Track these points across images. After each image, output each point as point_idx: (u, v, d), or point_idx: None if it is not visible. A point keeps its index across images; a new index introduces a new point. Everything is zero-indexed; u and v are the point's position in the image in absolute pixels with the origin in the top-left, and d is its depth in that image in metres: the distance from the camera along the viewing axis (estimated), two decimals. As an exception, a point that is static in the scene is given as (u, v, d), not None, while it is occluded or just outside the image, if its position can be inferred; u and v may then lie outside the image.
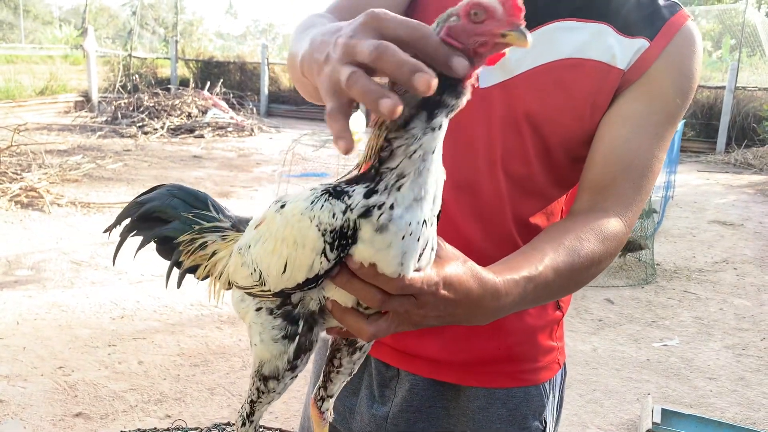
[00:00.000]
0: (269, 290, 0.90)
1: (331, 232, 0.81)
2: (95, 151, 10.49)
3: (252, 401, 0.98)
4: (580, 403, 3.84)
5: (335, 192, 0.83)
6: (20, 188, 7.34)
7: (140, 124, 12.58)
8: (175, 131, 12.62)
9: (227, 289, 1.04)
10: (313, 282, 0.85)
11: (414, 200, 0.79)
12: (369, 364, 1.35)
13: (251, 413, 1.00)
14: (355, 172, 0.87)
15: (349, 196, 0.81)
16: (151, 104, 13.24)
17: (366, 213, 0.79)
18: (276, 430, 1.36)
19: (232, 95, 15.02)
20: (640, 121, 1.14)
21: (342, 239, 0.81)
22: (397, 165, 0.79)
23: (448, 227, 1.16)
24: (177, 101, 13.42)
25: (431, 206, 0.82)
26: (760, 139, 13.20)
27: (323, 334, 0.95)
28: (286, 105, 17.19)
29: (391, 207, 0.79)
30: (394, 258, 0.80)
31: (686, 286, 5.96)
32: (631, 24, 1.17)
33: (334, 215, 0.81)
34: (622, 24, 1.17)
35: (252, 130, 13.51)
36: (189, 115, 13.21)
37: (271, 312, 0.92)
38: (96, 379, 3.76)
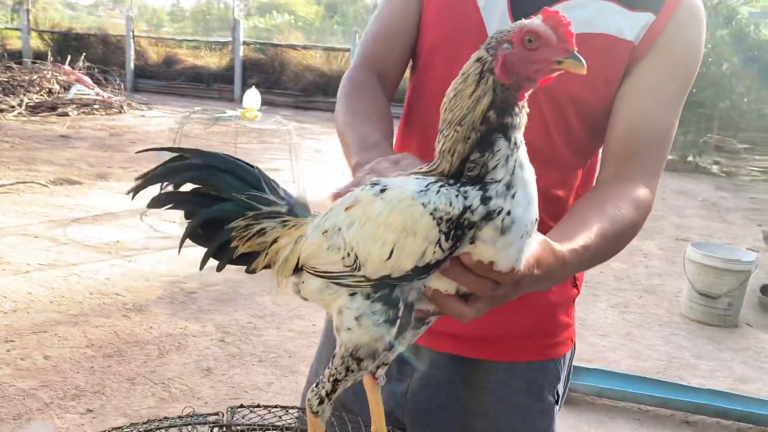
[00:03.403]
0: (364, 276, 0.88)
1: (447, 221, 0.81)
2: (-56, 131, 9.49)
3: (336, 380, 0.96)
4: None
5: (448, 184, 0.84)
6: None
7: (-7, 100, 11.49)
8: (35, 109, 11.62)
9: (292, 275, 1.00)
10: (423, 272, 0.85)
11: (528, 204, 0.84)
12: None
13: (332, 391, 0.97)
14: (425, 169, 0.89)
15: (465, 197, 0.82)
16: (5, 79, 12.10)
17: (487, 216, 0.82)
18: (275, 407, 1.36)
19: (96, 70, 14.05)
20: (656, 92, 1.21)
21: (458, 229, 0.81)
22: (502, 178, 0.83)
23: None
24: (35, 76, 12.36)
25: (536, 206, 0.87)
26: None
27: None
28: (155, 80, 16.35)
29: (509, 212, 0.82)
30: (514, 255, 0.83)
31: (569, 252, 6.43)
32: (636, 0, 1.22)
33: (451, 203, 0.81)
34: (627, 0, 1.22)
35: (121, 107, 12.73)
36: (50, 92, 12.21)
37: (367, 297, 0.89)
38: (-1, 378, 3.49)
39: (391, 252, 0.85)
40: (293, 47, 16.68)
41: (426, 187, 0.84)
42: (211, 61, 16.72)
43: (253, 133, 7.78)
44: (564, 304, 1.37)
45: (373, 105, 1.28)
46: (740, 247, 5.65)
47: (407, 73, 1.44)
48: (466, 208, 0.82)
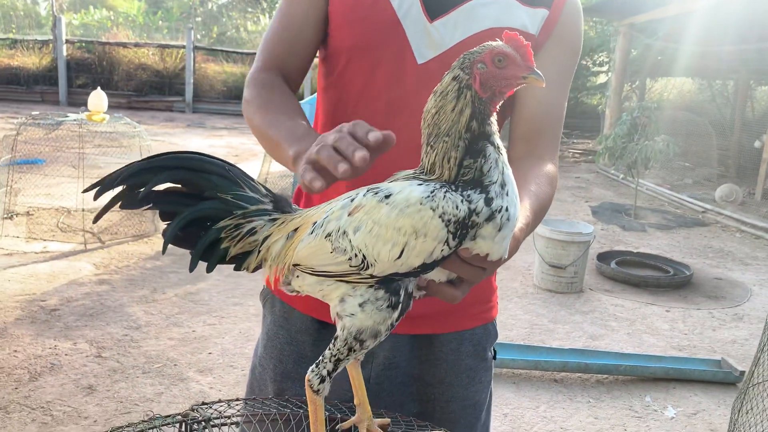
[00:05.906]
0: (370, 275, 0.97)
1: (455, 222, 0.92)
2: None
3: (338, 360, 1.03)
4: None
5: (450, 189, 0.95)
6: None
7: None
8: None
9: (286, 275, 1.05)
10: (429, 268, 0.96)
11: (516, 198, 0.98)
12: None
13: (334, 370, 1.04)
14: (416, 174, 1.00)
15: (469, 200, 0.94)
16: None
17: (490, 216, 0.94)
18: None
19: None
20: (554, 78, 1.37)
21: (464, 229, 0.93)
22: (497, 178, 0.96)
23: None
24: None
25: None
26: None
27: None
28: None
29: (507, 209, 0.95)
30: (505, 246, 0.97)
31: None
32: None
33: (457, 207, 0.93)
34: None
35: (-73, 114, 11.39)
36: None
37: (370, 285, 0.98)
38: None
39: (401, 252, 0.94)
40: (124, 45, 15.77)
41: (432, 192, 0.94)
42: (30, 61, 15.36)
43: (92, 136, 7.32)
44: None
45: (286, 102, 1.33)
46: (578, 221, 6.30)
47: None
48: (471, 211, 0.93)
